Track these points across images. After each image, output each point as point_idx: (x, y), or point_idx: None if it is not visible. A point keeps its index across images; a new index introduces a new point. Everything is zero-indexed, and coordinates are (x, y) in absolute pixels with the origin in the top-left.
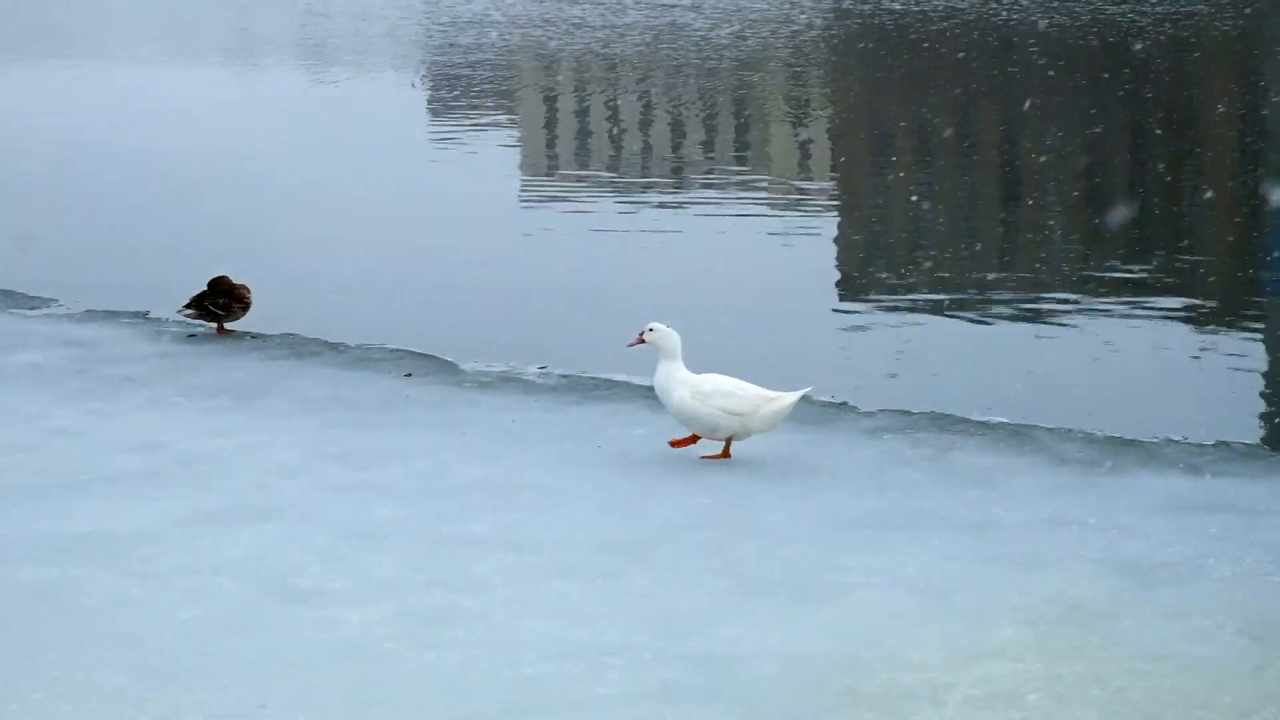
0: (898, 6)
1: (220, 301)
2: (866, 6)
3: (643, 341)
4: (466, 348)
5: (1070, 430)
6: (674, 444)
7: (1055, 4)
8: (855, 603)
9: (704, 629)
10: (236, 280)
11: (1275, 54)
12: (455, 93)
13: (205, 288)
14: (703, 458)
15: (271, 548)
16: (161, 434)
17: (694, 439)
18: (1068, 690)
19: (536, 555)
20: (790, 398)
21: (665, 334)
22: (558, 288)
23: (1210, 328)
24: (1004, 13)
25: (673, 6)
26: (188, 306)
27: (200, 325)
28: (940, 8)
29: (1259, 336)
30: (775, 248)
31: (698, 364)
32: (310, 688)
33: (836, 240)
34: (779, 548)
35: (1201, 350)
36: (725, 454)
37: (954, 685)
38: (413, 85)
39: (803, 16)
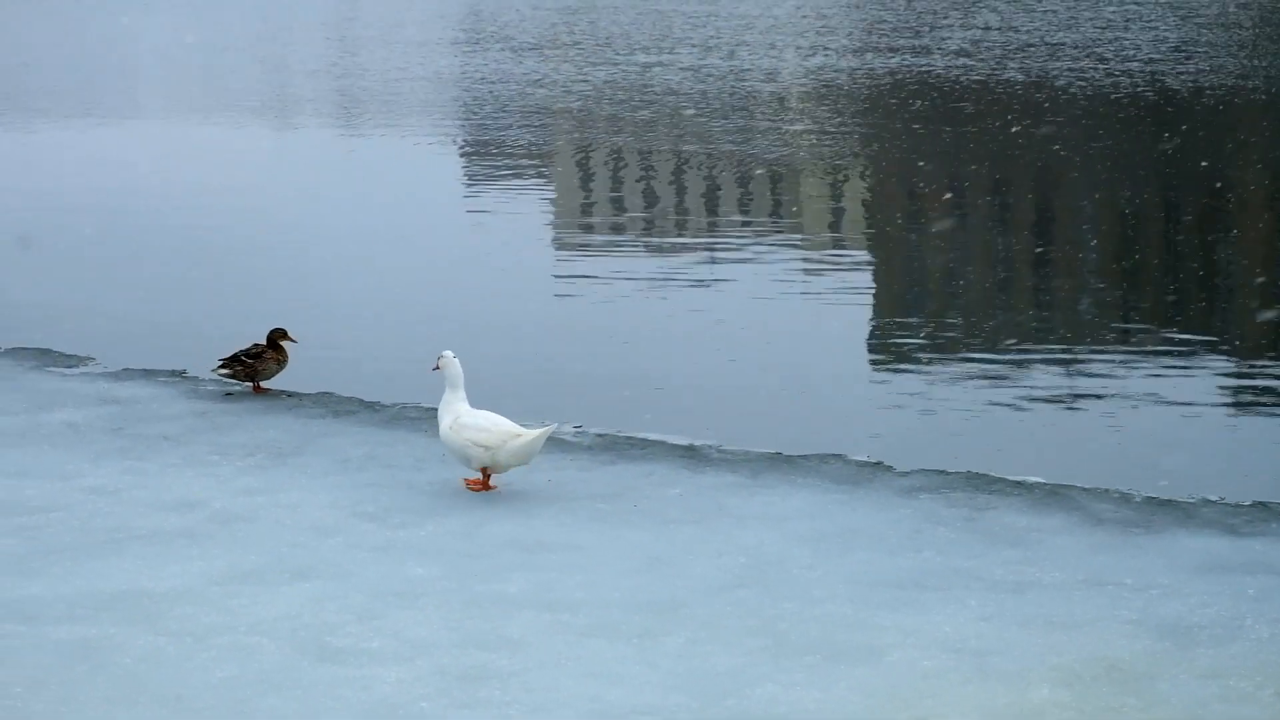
0: (932, 63)
1: (253, 351)
2: (894, 60)
3: (439, 368)
4: (502, 407)
5: (1106, 490)
6: (467, 483)
7: (1095, 64)
8: (891, 663)
9: (740, 689)
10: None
11: None
12: (490, 154)
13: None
14: (468, 485)
15: (307, 607)
16: (198, 493)
17: (486, 481)
18: None
19: (571, 615)
20: (534, 433)
21: (449, 363)
22: (594, 347)
23: (1247, 387)
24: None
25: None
26: (223, 365)
27: (236, 384)
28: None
29: None
30: (809, 305)
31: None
32: None
33: (872, 297)
34: (814, 607)
35: (1238, 410)
36: (486, 485)
37: None
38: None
39: (831, 73)
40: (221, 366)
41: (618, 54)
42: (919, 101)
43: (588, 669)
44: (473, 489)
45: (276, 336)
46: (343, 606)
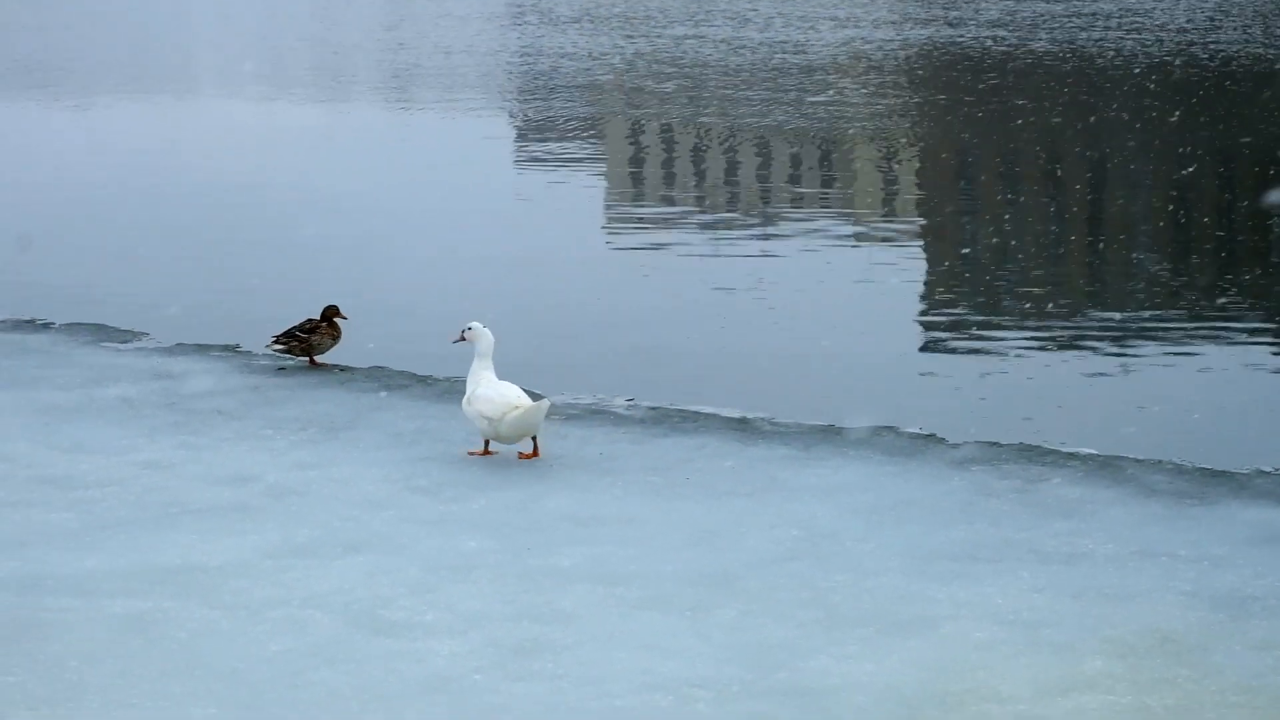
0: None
1: (307, 326)
2: (926, 31)
3: (464, 339)
4: (554, 380)
5: (1160, 461)
6: (520, 455)
7: (1138, 36)
8: (944, 635)
9: (793, 661)
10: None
11: None
12: (541, 125)
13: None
14: (520, 456)
15: (361, 580)
16: (251, 467)
17: (534, 453)
18: None
19: (624, 587)
20: (529, 406)
21: (479, 333)
22: (645, 320)
23: None
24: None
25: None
26: (277, 340)
27: (290, 359)
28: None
29: None
30: (861, 278)
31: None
32: (400, 719)
33: (923, 270)
34: (867, 579)
35: None
36: (535, 453)
37: (1044, 718)
38: None
39: (872, 46)
40: (276, 342)
41: (655, 26)
42: (957, 74)
43: (641, 641)
44: (525, 458)
45: (331, 313)
46: (396, 580)
